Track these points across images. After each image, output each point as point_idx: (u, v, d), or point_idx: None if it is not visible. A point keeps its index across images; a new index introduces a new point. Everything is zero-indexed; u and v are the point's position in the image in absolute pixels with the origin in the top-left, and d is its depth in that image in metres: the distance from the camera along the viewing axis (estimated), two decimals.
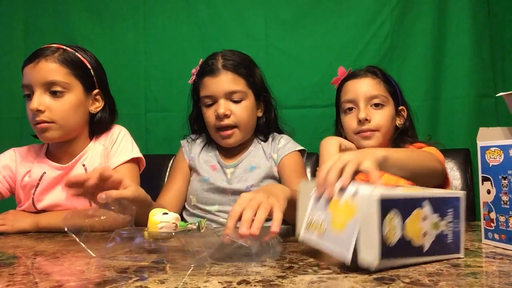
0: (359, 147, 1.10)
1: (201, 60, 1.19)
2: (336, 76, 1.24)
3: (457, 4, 1.57)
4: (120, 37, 1.69)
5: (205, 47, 1.61)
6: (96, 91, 1.09)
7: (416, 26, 1.59)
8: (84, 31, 1.69)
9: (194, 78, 1.20)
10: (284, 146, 1.17)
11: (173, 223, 0.70)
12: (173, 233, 0.69)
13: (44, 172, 1.06)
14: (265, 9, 1.65)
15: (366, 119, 1.09)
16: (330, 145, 1.03)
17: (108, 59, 1.61)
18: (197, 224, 0.72)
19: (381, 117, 1.11)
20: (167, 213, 0.71)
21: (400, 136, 1.18)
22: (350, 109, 1.14)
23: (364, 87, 1.13)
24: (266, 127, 1.21)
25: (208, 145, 1.22)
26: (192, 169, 1.20)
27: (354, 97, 1.12)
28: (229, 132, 1.12)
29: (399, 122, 1.18)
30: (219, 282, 0.51)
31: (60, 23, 1.70)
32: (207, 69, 1.13)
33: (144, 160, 1.13)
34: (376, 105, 1.12)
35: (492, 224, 0.68)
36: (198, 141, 1.24)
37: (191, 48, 1.66)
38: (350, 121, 1.13)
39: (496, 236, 0.67)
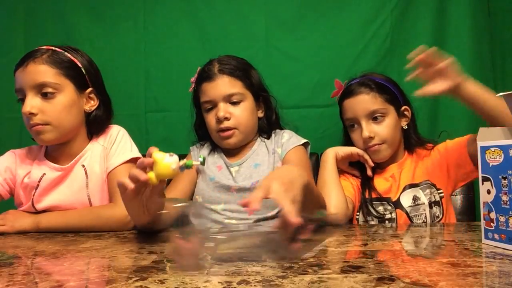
0: (375, 160, 1.16)
1: (199, 68, 1.21)
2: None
3: (457, 4, 1.57)
4: (120, 37, 1.69)
5: (205, 47, 1.62)
6: (89, 89, 1.09)
7: (416, 26, 1.59)
8: (84, 31, 1.69)
9: (193, 86, 1.22)
10: (288, 140, 1.18)
11: (182, 162, 0.74)
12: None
13: (44, 173, 1.05)
14: (265, 9, 1.65)
15: (370, 137, 1.13)
16: (327, 156, 1.14)
17: (108, 59, 1.63)
18: (201, 159, 0.78)
19: (383, 130, 1.13)
20: (172, 155, 0.74)
21: (406, 139, 1.19)
22: (353, 125, 1.17)
23: (361, 104, 1.14)
24: (268, 126, 1.23)
25: (214, 149, 1.24)
26: (199, 172, 1.22)
27: (354, 116, 1.15)
28: (229, 132, 1.14)
29: (404, 123, 1.19)
30: (219, 282, 0.51)
31: (60, 23, 1.70)
32: (204, 75, 1.16)
33: None
34: (377, 118, 1.13)
35: (492, 224, 0.68)
36: (206, 145, 1.27)
37: (191, 48, 1.66)
38: (356, 138, 1.17)
39: (496, 236, 0.67)
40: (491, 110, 0.95)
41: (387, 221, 1.11)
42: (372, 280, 0.51)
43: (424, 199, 1.11)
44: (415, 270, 0.55)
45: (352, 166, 1.20)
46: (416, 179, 1.14)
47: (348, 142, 1.22)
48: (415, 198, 1.12)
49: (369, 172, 1.15)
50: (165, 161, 0.73)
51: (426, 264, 0.59)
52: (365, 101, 1.14)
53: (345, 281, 0.51)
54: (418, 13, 1.59)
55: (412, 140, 1.19)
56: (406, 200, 1.12)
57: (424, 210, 1.11)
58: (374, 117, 1.13)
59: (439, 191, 1.13)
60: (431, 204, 1.11)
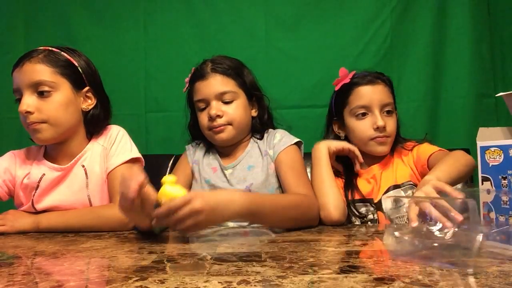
0: (371, 152, 1.16)
1: (193, 68, 1.22)
2: (337, 77, 1.24)
3: (457, 4, 1.58)
4: (120, 37, 1.69)
5: (205, 47, 1.62)
6: (86, 88, 1.08)
7: (416, 26, 1.59)
8: (84, 31, 1.69)
9: (187, 86, 1.23)
10: (279, 141, 1.17)
11: None
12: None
13: (44, 174, 1.05)
14: (265, 9, 1.65)
15: (384, 127, 1.12)
16: (319, 150, 1.13)
17: (108, 59, 1.63)
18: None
19: (393, 124, 1.15)
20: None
21: (395, 140, 1.20)
22: (364, 114, 1.15)
23: (379, 94, 1.14)
24: (261, 126, 1.22)
25: (209, 150, 1.24)
26: (194, 173, 1.21)
27: (369, 104, 1.14)
28: (222, 127, 1.14)
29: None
30: (219, 282, 0.51)
31: (60, 23, 1.70)
32: (198, 75, 1.17)
33: (143, 160, 1.13)
34: (388, 112, 1.15)
35: (492, 224, 0.68)
36: (201, 145, 1.26)
37: (191, 48, 1.66)
38: (365, 127, 1.14)
39: (496, 236, 0.67)
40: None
41: (369, 222, 1.11)
42: (372, 280, 0.51)
43: (405, 200, 1.11)
44: (415, 270, 0.55)
45: (337, 163, 1.20)
46: (399, 180, 1.13)
47: (332, 133, 1.22)
48: (397, 200, 1.11)
49: (358, 167, 1.15)
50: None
51: (426, 264, 0.59)
52: (382, 92, 1.15)
53: (345, 281, 0.51)
54: (418, 13, 1.59)
55: (398, 142, 1.20)
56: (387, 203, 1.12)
57: (406, 211, 1.11)
58: (386, 111, 1.15)
59: None
60: None
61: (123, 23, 1.70)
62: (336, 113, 1.23)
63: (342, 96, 1.20)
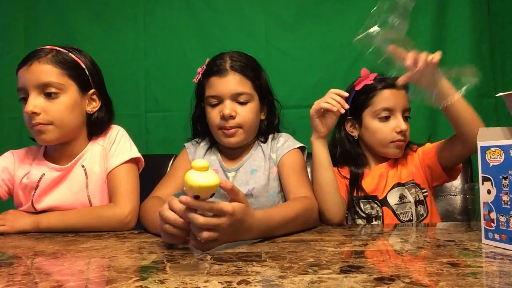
0: (388, 154, 1.18)
1: (207, 59, 1.17)
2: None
3: (457, 4, 1.58)
4: (120, 37, 1.69)
5: (205, 47, 1.62)
6: (92, 91, 1.08)
7: (416, 26, 1.59)
8: (84, 31, 1.69)
9: (199, 77, 1.18)
10: (283, 144, 1.16)
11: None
12: None
13: (43, 174, 1.05)
14: (265, 9, 1.65)
15: (406, 131, 1.14)
16: (314, 148, 1.09)
17: (108, 59, 1.62)
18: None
19: (408, 128, 1.17)
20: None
21: None
22: (387, 117, 1.15)
23: (402, 99, 1.16)
24: (267, 130, 1.20)
25: (211, 149, 1.21)
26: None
27: (393, 107, 1.14)
28: (232, 130, 1.11)
29: None
30: (219, 282, 0.51)
31: (60, 23, 1.70)
32: (215, 69, 1.12)
33: (143, 160, 1.12)
34: (407, 117, 1.17)
35: (492, 224, 0.68)
36: (202, 144, 1.23)
37: (191, 48, 1.66)
38: (388, 130, 1.14)
39: (497, 236, 0.67)
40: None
41: (373, 219, 1.13)
42: (372, 280, 0.51)
43: (410, 197, 1.14)
44: (415, 270, 0.55)
45: (342, 166, 1.19)
46: (403, 179, 1.16)
47: (344, 133, 1.22)
48: (402, 197, 1.14)
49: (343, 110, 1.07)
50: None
51: (426, 264, 0.59)
52: (405, 97, 1.16)
53: (345, 281, 0.51)
54: (418, 13, 1.59)
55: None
56: (393, 198, 1.14)
57: (410, 208, 1.13)
58: (405, 115, 1.16)
59: (423, 191, 1.16)
60: (416, 203, 1.14)
61: (123, 23, 1.70)
62: (352, 113, 1.20)
63: (363, 97, 1.18)
